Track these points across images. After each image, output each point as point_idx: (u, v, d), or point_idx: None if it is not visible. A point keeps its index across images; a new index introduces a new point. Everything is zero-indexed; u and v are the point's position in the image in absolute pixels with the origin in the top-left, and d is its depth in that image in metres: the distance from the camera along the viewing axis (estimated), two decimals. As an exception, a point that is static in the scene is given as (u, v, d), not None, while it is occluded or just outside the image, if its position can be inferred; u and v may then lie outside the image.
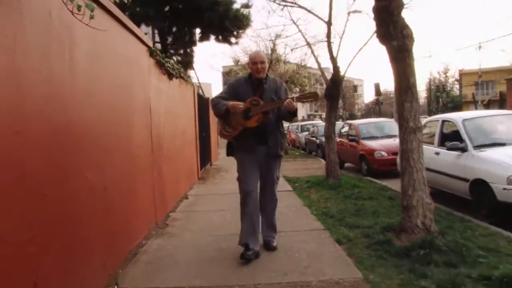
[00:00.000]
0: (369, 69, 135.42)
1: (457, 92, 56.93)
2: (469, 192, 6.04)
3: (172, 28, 15.09)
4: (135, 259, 4.27)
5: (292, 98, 4.18)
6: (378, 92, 35.96)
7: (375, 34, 4.67)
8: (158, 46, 13.48)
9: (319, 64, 9.95)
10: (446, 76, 71.20)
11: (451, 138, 6.75)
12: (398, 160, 6.72)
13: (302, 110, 64.71)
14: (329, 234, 4.98)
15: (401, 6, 4.26)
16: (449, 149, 6.52)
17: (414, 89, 4.42)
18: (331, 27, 8.32)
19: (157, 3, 13.34)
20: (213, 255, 4.31)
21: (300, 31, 10.41)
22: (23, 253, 2.27)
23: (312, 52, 10.12)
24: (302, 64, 24.30)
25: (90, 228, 3.28)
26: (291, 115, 4.32)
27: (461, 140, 6.41)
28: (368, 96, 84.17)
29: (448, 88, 63.03)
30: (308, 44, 9.85)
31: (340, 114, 62.03)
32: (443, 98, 50.69)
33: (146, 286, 3.57)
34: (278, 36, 15.63)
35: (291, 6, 9.27)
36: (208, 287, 3.52)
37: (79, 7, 2.41)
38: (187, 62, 14.15)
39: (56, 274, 2.67)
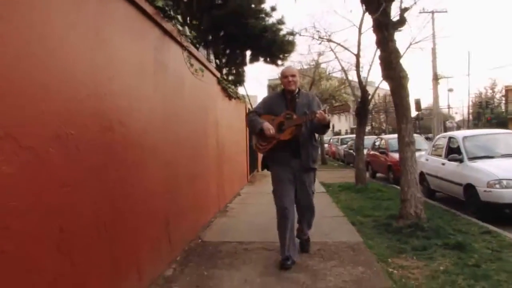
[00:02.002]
0: (414, 84, 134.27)
1: (503, 108, 56.45)
2: (463, 194, 7.64)
3: (226, 50, 17.13)
4: (209, 227, 6.21)
5: (324, 110, 4.20)
6: (418, 107, 36.93)
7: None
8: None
9: (351, 88, 11.69)
10: (493, 92, 70.52)
11: (454, 152, 8.36)
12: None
13: (346, 124, 65.84)
14: (347, 219, 6.76)
15: (398, 56, 6.04)
16: (450, 160, 8.15)
17: (408, 115, 6.17)
18: (360, 58, 10.14)
19: (214, 29, 15.41)
20: (260, 228, 6.13)
21: (336, 57, 12.29)
22: (160, 204, 4.19)
23: (346, 77, 11.86)
24: (343, 81, 25.92)
25: (189, 202, 5.22)
26: (324, 127, 4.42)
27: (460, 153, 8.03)
28: (412, 110, 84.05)
29: (495, 104, 62.56)
30: (343, 69, 11.66)
31: (383, 128, 62.63)
32: (488, 114, 50.59)
33: (218, 239, 5.48)
34: (319, 64, 17.39)
35: (327, 41, 11.13)
36: (257, 241, 5.36)
37: (196, 70, 4.38)
38: (238, 81, 16.19)
39: (177, 217, 4.61)
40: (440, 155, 8.94)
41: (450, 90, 62.52)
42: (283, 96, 4.59)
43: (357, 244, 5.21)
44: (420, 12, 22.22)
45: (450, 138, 8.91)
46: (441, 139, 9.53)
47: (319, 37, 11.26)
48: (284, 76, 4.51)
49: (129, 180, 3.28)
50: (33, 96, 2.07)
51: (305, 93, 4.79)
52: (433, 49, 29.33)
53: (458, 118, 68.32)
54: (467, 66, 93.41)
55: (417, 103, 36.70)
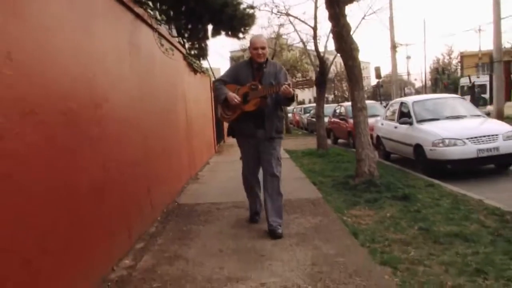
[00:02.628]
0: (375, 53, 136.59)
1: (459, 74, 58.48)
2: (413, 154, 8.43)
3: (188, 25, 17.37)
4: (183, 192, 6.76)
5: (289, 84, 4.21)
6: (378, 75, 38.01)
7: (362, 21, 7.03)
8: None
9: (310, 58, 12.28)
10: (450, 58, 72.75)
11: (405, 116, 9.12)
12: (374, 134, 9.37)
13: (309, 93, 66.75)
14: (309, 180, 7.42)
15: (349, 30, 6.61)
16: (401, 123, 8.93)
17: (360, 83, 6.81)
18: (317, 31, 10.70)
19: (175, 4, 15.62)
20: (229, 191, 6.68)
21: (295, 30, 12.83)
22: (142, 173, 4.69)
23: (306, 48, 12.42)
24: (303, 52, 26.50)
25: (164, 170, 5.73)
26: (289, 100, 4.45)
27: (410, 117, 8.79)
28: (374, 78, 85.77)
29: (452, 70, 64.70)
30: (302, 41, 12.23)
31: (346, 96, 63.89)
32: (445, 80, 52.43)
33: (193, 202, 6.05)
34: (279, 35, 17.87)
35: (286, 15, 11.63)
36: (228, 201, 5.94)
37: (166, 50, 4.83)
38: (202, 55, 16.52)
39: (156, 184, 5.12)
40: (393, 119, 9.70)
41: (408, 57, 64.35)
42: (250, 65, 4.55)
43: (317, 199, 5.88)
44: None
45: (402, 103, 9.67)
46: (394, 105, 10.29)
47: (278, 11, 11.73)
48: (254, 47, 4.42)
49: (117, 150, 3.78)
50: (47, 81, 2.54)
51: (273, 62, 4.75)
52: (391, 19, 29.98)
53: (418, 84, 70.21)
54: (423, 34, 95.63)
55: (377, 70, 37.71)
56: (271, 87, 4.32)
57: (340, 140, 15.62)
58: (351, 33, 6.75)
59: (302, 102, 56.05)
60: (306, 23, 11.12)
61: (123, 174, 3.90)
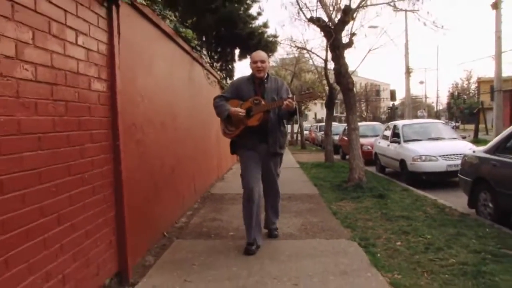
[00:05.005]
0: (395, 75, 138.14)
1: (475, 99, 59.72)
2: (399, 167, 10.35)
3: (218, 48, 19.65)
4: (213, 187, 8.83)
5: (292, 98, 4.20)
6: (393, 98, 39.97)
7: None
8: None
9: (328, 81, 14.22)
10: (469, 83, 74.00)
11: (396, 136, 11.06)
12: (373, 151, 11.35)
13: (322, 112, 68.55)
14: (312, 182, 9.43)
15: (347, 68, 8.65)
16: (392, 142, 10.89)
17: (354, 108, 8.81)
18: (327, 62, 12.79)
19: (208, 30, 17.90)
20: (251, 187, 8.73)
21: (311, 58, 14.95)
22: (191, 165, 6.73)
23: (326, 73, 14.33)
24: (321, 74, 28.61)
25: (202, 167, 7.79)
26: (291, 115, 4.48)
27: (399, 137, 10.74)
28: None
29: (471, 94, 66.03)
30: (316, 69, 14.31)
31: (363, 116, 65.45)
32: (460, 104, 53.88)
33: (222, 192, 8.10)
34: (298, 60, 20.05)
35: (302, 49, 13.77)
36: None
37: (211, 82, 6.94)
38: (229, 75, 18.77)
39: (198, 175, 7.17)
40: (387, 139, 11.65)
41: (422, 82, 66.06)
42: (252, 80, 4.53)
43: (314, 194, 7.89)
44: (394, 10, 24.85)
45: (394, 125, 11.63)
46: (390, 127, 12.24)
47: (295, 46, 13.92)
48: (253, 61, 4.45)
49: (181, 148, 5.86)
50: (155, 106, 4.62)
51: (274, 78, 4.71)
52: (406, 45, 31.80)
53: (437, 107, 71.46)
54: (436, 61, 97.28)
55: (392, 94, 39.62)
56: (274, 102, 4.34)
57: (347, 156, 17.52)
58: (357, 66, 8.80)
59: (321, 120, 57.95)
60: (318, 56, 13.25)
61: (182, 164, 5.98)
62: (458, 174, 7.02)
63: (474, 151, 6.80)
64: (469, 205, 6.44)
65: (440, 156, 9.28)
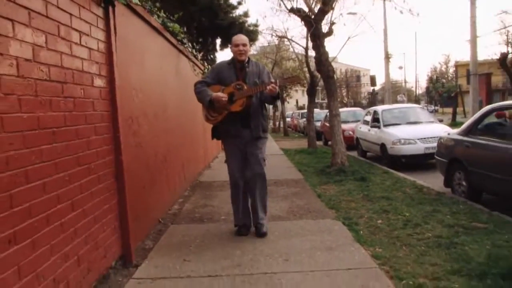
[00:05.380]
0: (375, 60, 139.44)
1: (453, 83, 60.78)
2: (380, 151, 10.75)
3: (199, 39, 19.75)
4: (201, 175, 9.10)
5: (275, 82, 4.16)
6: (373, 83, 40.54)
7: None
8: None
9: (309, 68, 14.52)
10: (447, 67, 75.27)
11: (376, 121, 11.45)
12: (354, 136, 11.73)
13: (303, 99, 69.07)
14: (296, 168, 9.77)
15: (327, 56, 8.95)
16: (372, 127, 11.28)
17: (335, 95, 9.14)
18: (308, 50, 13.08)
19: (189, 21, 18.01)
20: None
21: (292, 47, 15.22)
22: (181, 154, 6.99)
23: (307, 61, 14.63)
24: (302, 62, 28.91)
25: (190, 156, 8.05)
26: (274, 98, 4.45)
27: (379, 121, 11.13)
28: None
29: (449, 78, 67.12)
30: (297, 57, 14.58)
31: (344, 102, 66.08)
32: (438, 88, 54.79)
33: (210, 180, 8.38)
34: (279, 48, 20.29)
35: (283, 37, 14.03)
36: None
37: (197, 74, 7.17)
38: (211, 65, 19.00)
39: (187, 164, 7.44)
40: (368, 124, 12.04)
41: (400, 67, 67.03)
42: (233, 65, 4.49)
43: (299, 179, 8.23)
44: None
45: (374, 111, 12.02)
46: (369, 112, 12.63)
47: (277, 35, 14.18)
48: (235, 44, 4.42)
49: (171, 137, 6.12)
50: (149, 99, 4.86)
51: (255, 62, 4.68)
52: (384, 31, 32.19)
53: (418, 92, 72.49)
54: (415, 46, 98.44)
55: (372, 79, 40.14)
56: (257, 86, 4.28)
57: (329, 142, 17.93)
58: (338, 53, 9.11)
59: (302, 107, 58.38)
60: (299, 44, 13.55)
61: (173, 152, 6.23)
62: (435, 156, 7.41)
63: (449, 134, 7.19)
64: (445, 184, 6.85)
65: (418, 139, 9.70)
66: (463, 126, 6.75)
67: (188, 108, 7.79)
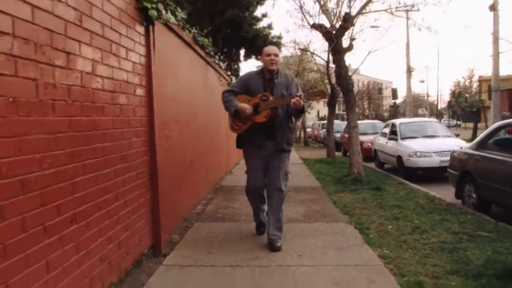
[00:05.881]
0: (398, 74, 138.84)
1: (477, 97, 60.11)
2: (396, 163, 11.05)
3: (224, 49, 20.39)
4: (223, 179, 9.55)
5: (300, 96, 4.08)
6: (394, 96, 40.74)
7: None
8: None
9: (329, 80, 14.90)
10: (471, 81, 74.44)
11: (394, 133, 11.75)
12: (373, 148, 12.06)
13: (324, 109, 69.14)
14: (314, 177, 10.15)
15: (347, 70, 9.34)
16: (390, 139, 11.59)
17: (353, 107, 9.51)
18: (329, 64, 13.49)
19: (215, 31, 18.63)
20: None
21: (313, 59, 15.65)
22: (205, 160, 7.44)
23: (324, 73, 15.07)
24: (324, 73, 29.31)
25: (214, 162, 8.50)
26: (299, 112, 4.38)
27: (396, 134, 11.44)
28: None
29: (473, 93, 66.39)
30: (319, 69, 14.99)
31: (366, 114, 65.94)
32: (461, 103, 54.35)
33: (231, 184, 8.82)
34: (302, 59, 20.76)
35: (305, 50, 14.47)
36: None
37: (223, 84, 7.66)
38: (235, 75, 19.57)
39: (210, 169, 7.89)
40: (385, 136, 12.35)
41: (422, 81, 66.83)
42: (262, 75, 4.49)
43: (317, 187, 8.60)
44: (397, 9, 25.59)
45: (392, 124, 12.33)
46: (388, 125, 12.94)
47: (299, 48, 14.68)
48: (266, 54, 4.40)
49: (199, 143, 6.58)
50: (180, 107, 5.33)
51: (284, 74, 4.65)
52: (407, 44, 32.45)
53: (440, 106, 71.97)
54: (437, 60, 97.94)
55: (394, 92, 40.43)
56: (282, 98, 4.26)
57: (348, 153, 18.23)
58: (359, 66, 9.49)
59: (324, 118, 58.60)
60: (320, 57, 14.02)
61: (199, 158, 6.70)
62: (447, 168, 7.71)
63: (461, 148, 7.50)
64: (456, 196, 7.15)
65: (434, 152, 9.98)
66: (475, 141, 7.06)
67: (213, 117, 8.27)
